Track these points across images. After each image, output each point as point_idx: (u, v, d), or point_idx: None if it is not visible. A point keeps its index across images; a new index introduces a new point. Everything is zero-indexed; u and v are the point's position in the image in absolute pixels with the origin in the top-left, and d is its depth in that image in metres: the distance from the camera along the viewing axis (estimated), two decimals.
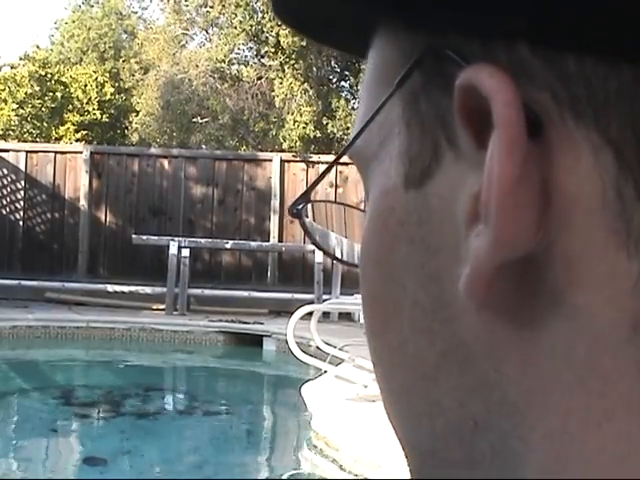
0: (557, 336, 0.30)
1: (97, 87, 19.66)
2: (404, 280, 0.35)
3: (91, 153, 13.89)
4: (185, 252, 11.26)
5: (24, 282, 11.82)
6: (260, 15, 15.15)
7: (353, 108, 15.09)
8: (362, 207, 0.41)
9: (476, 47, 0.31)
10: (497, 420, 0.32)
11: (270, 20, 14.50)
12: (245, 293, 11.60)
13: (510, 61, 0.30)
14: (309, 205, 0.46)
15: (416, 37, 0.34)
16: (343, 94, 15.86)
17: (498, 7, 0.30)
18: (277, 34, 14.59)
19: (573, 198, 0.29)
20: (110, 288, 11.74)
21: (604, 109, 0.29)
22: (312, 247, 11.66)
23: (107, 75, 20.73)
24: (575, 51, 0.29)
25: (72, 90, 19.09)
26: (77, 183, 13.74)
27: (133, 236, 11.96)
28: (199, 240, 12.13)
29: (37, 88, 17.83)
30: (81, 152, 13.94)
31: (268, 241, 13.31)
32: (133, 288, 11.66)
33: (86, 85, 19.47)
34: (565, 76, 0.29)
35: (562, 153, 0.29)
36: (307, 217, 0.46)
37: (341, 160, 0.41)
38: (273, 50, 15.11)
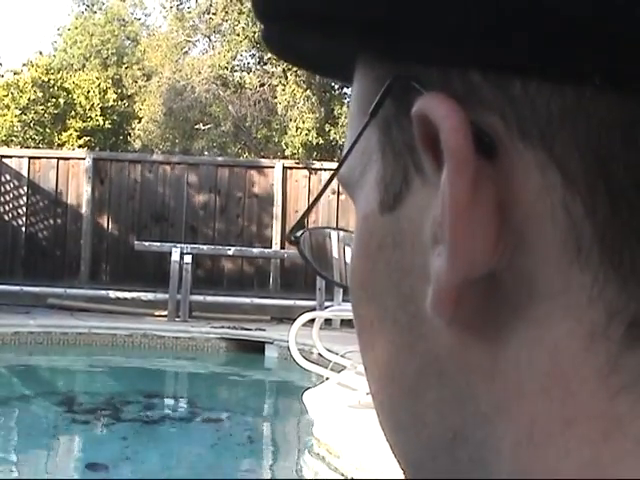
0: (521, 348, 0.31)
1: (100, 93, 19.68)
2: (385, 300, 0.36)
3: (94, 159, 13.90)
4: (187, 258, 11.26)
5: (26, 288, 11.82)
6: None
7: None
8: None
9: (435, 75, 0.32)
10: (472, 431, 0.33)
11: None
12: (247, 300, 11.60)
13: (464, 87, 0.31)
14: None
15: (387, 67, 0.35)
16: (345, 101, 15.85)
17: (450, 38, 0.31)
18: None
19: (525, 216, 0.30)
20: (112, 294, 11.74)
21: (548, 129, 0.30)
22: None
23: (110, 81, 20.75)
24: (520, 75, 0.30)
25: (75, 96, 19.11)
26: (79, 189, 13.76)
27: (135, 242, 11.97)
28: (201, 246, 12.14)
29: (40, 94, 17.85)
30: (84, 158, 13.95)
31: (270, 248, 13.32)
32: (135, 294, 11.66)
33: (89, 91, 19.49)
34: (512, 98, 0.30)
35: (513, 173, 0.30)
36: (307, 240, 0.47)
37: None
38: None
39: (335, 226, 13.84)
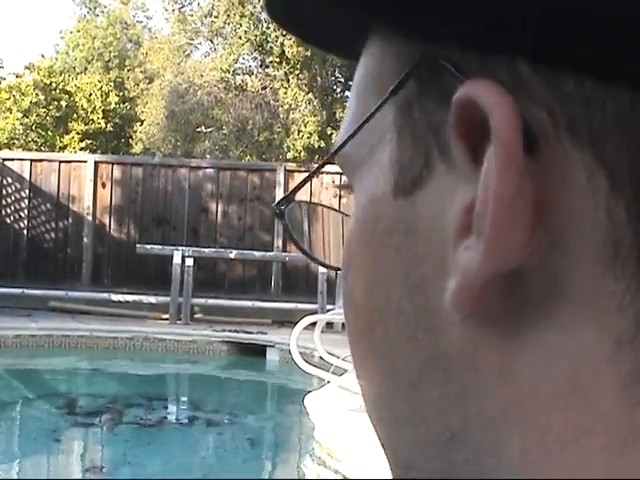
0: (540, 350, 0.30)
1: (102, 96, 19.71)
2: (388, 288, 0.35)
3: (95, 162, 13.90)
4: (189, 261, 11.26)
5: (28, 291, 11.82)
6: (265, 25, 15.17)
7: None
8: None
9: (473, 60, 0.31)
10: (473, 433, 0.32)
11: (275, 30, 14.53)
12: (249, 303, 11.60)
13: (510, 77, 0.30)
14: (305, 209, 0.47)
15: (413, 45, 0.33)
16: (347, 104, 15.87)
17: (500, 23, 0.30)
18: (282, 44, 14.62)
19: (565, 216, 0.29)
20: (114, 297, 11.74)
21: (600, 131, 0.29)
22: None
23: (112, 84, 20.77)
24: (575, 72, 0.29)
25: (77, 99, 19.13)
26: (81, 192, 13.76)
27: (137, 245, 11.97)
28: (203, 250, 12.14)
29: (42, 97, 17.87)
30: (85, 161, 13.96)
31: (272, 251, 13.31)
32: (137, 297, 11.66)
33: (91, 94, 19.51)
34: (563, 96, 0.29)
35: (557, 171, 0.29)
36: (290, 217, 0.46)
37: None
38: (278, 60, 15.13)
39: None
